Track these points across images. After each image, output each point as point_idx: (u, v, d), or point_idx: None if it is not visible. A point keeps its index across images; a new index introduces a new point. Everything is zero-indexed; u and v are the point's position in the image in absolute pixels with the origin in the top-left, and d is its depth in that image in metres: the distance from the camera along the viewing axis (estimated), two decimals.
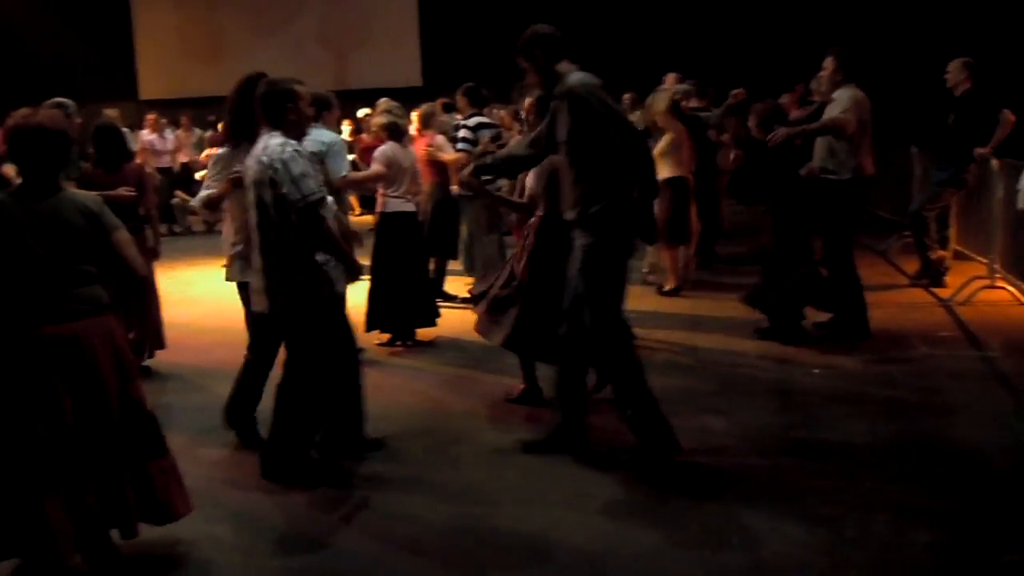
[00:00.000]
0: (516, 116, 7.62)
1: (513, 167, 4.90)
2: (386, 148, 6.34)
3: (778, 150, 6.04)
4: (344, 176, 5.37)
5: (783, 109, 6.53)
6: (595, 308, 4.18)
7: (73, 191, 3.47)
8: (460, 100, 7.38)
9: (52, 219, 3.26)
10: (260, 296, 4.11)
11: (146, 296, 5.84)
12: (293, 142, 4.01)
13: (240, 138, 4.41)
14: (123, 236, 3.41)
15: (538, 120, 5.01)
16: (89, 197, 3.47)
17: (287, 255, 4.02)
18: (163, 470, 3.47)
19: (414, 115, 9.64)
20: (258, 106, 4.08)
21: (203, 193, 4.54)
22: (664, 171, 7.38)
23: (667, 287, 7.75)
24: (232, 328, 7.03)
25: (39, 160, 3.29)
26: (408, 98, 10.02)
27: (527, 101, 5.13)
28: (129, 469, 3.36)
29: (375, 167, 6.28)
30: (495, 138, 6.63)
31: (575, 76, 4.15)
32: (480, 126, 7.05)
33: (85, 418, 3.26)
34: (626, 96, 11.49)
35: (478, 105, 7.29)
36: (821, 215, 6.15)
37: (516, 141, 5.08)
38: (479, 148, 6.75)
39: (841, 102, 6.09)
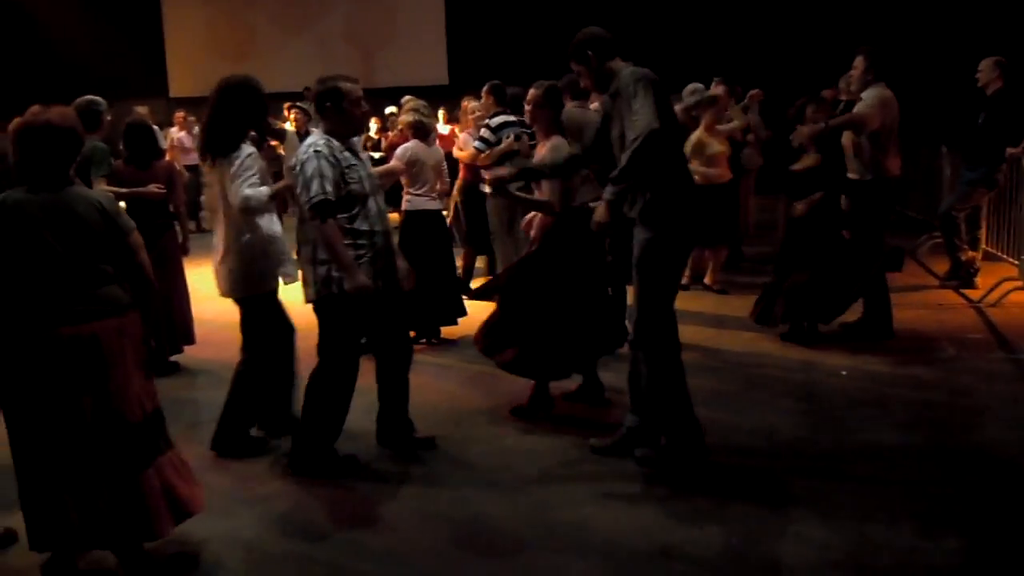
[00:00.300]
0: None
1: (560, 172, 4.69)
2: (409, 145, 6.38)
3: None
4: None
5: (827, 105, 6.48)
6: (645, 302, 4.17)
7: (84, 189, 3.46)
8: (485, 98, 7.40)
9: (69, 216, 3.24)
10: (303, 288, 4.28)
11: (168, 295, 5.81)
12: (321, 141, 4.11)
13: (216, 144, 4.30)
14: (138, 239, 3.41)
15: (540, 112, 4.96)
16: (104, 196, 3.44)
17: (312, 250, 4.14)
18: (172, 465, 3.49)
19: (441, 113, 9.67)
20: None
21: (265, 189, 4.28)
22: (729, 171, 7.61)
23: (718, 287, 7.88)
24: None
25: (48, 157, 3.26)
26: (434, 96, 10.06)
27: (531, 93, 5.06)
28: (154, 469, 3.38)
29: (392, 162, 6.37)
30: (519, 137, 6.62)
31: (627, 71, 4.10)
32: (503, 125, 7.06)
33: (103, 419, 3.27)
34: None
35: (503, 103, 7.31)
36: (845, 215, 6.13)
37: (553, 145, 4.95)
38: (502, 147, 6.76)
39: (868, 100, 6.04)
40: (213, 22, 18.15)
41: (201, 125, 4.56)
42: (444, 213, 6.97)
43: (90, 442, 3.25)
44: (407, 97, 6.95)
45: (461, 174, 7.78)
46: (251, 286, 4.39)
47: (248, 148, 4.34)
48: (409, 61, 17.29)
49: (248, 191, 4.24)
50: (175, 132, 13.16)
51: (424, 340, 6.50)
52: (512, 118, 6.97)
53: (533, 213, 5.02)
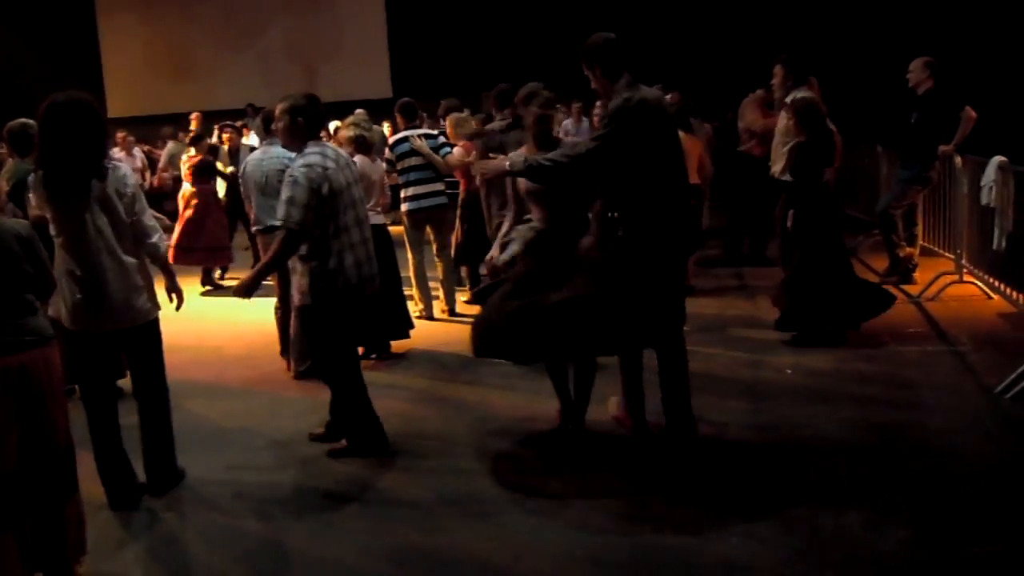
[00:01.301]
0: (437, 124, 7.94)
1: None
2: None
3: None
4: None
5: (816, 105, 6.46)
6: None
7: (2, 218, 3.45)
8: (397, 117, 7.66)
9: None
10: None
11: None
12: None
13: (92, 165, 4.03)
14: (52, 269, 3.46)
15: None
16: (22, 225, 3.41)
17: None
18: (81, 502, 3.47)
19: (387, 127, 9.67)
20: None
21: None
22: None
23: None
24: (205, 346, 7.01)
25: None
26: (379, 110, 10.06)
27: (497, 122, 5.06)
28: (74, 500, 3.36)
29: None
30: (406, 153, 7.11)
31: (613, 103, 4.22)
32: (399, 142, 7.32)
33: (35, 448, 3.23)
34: (575, 105, 11.63)
35: (413, 120, 7.52)
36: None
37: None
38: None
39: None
40: (151, 40, 17.86)
41: (37, 154, 4.17)
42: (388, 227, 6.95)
43: (19, 471, 3.19)
44: (360, 111, 7.01)
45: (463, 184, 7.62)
46: (156, 304, 4.23)
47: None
48: (352, 75, 17.22)
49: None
50: (116, 153, 12.92)
51: (374, 355, 6.46)
52: (409, 133, 7.23)
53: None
